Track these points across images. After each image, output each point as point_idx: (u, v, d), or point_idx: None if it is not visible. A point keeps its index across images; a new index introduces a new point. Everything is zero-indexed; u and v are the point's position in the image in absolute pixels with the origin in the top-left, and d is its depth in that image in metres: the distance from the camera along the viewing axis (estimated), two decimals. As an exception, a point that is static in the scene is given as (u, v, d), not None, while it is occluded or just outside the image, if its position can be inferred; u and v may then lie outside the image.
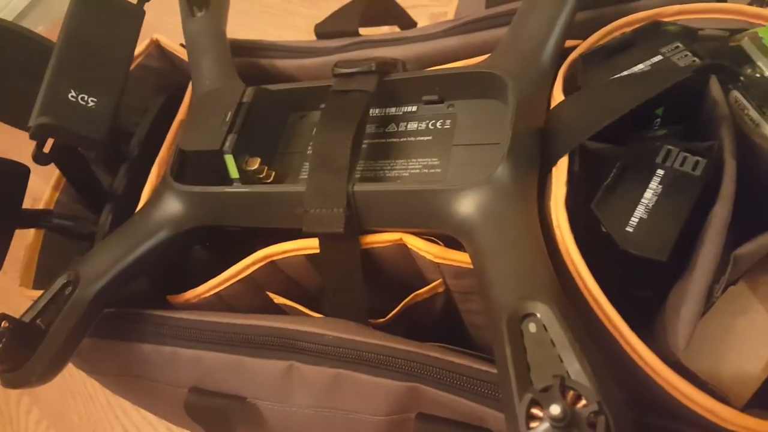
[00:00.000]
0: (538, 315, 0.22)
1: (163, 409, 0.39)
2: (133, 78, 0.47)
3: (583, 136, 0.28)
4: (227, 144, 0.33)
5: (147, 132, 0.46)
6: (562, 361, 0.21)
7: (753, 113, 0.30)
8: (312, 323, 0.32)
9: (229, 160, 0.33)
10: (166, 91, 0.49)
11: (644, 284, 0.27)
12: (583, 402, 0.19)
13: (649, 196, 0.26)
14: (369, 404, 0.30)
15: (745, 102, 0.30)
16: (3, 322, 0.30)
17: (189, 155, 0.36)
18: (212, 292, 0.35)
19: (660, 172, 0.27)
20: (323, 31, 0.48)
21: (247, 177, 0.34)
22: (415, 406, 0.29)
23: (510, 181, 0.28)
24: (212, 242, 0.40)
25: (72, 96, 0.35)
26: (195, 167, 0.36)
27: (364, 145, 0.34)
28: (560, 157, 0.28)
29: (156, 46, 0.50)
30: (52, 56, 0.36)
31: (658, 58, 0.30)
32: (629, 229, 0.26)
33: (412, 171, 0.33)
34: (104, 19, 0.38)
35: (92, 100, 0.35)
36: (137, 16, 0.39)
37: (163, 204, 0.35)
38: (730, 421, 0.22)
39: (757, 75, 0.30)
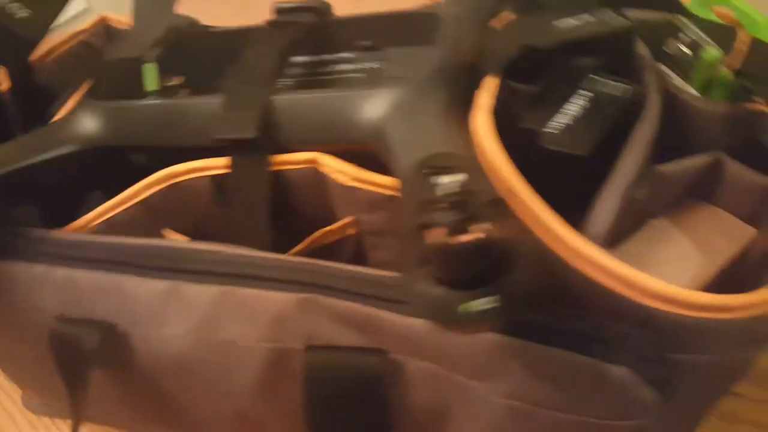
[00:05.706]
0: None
1: (14, 356, 0.33)
2: (73, 54, 0.45)
3: (509, 57, 0.27)
4: (150, 53, 0.31)
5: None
6: None
7: (678, 80, 0.31)
8: (208, 244, 0.29)
9: (149, 69, 0.31)
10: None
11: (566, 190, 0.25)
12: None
13: (574, 109, 0.25)
14: (253, 326, 0.26)
15: (669, 71, 0.31)
16: None
17: (109, 69, 0.34)
18: (103, 218, 0.32)
19: (583, 92, 0.26)
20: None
21: (166, 93, 0.32)
22: (304, 324, 0.25)
23: (434, 87, 0.27)
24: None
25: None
26: (113, 85, 0.34)
27: (290, 81, 0.33)
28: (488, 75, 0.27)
29: (104, 26, 0.49)
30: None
31: (587, 16, 0.31)
32: (553, 130, 0.24)
33: None
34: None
35: (27, 11, 0.34)
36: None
37: (76, 119, 0.32)
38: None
39: (682, 49, 0.31)
